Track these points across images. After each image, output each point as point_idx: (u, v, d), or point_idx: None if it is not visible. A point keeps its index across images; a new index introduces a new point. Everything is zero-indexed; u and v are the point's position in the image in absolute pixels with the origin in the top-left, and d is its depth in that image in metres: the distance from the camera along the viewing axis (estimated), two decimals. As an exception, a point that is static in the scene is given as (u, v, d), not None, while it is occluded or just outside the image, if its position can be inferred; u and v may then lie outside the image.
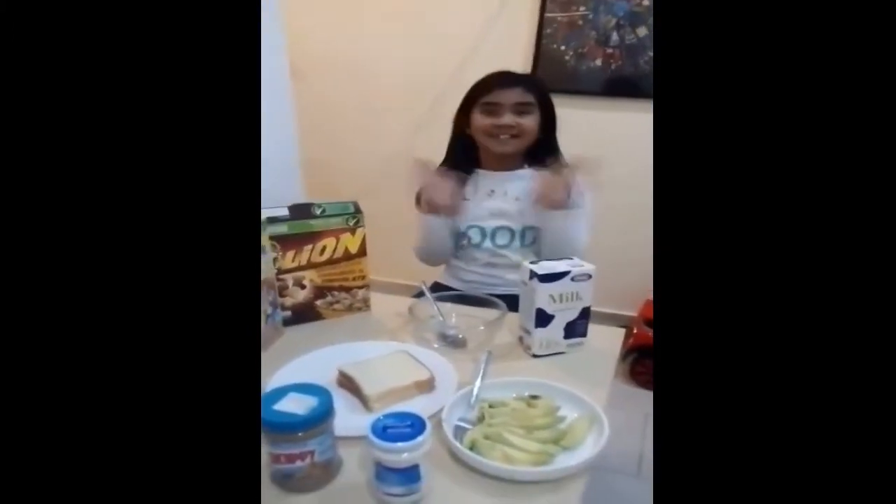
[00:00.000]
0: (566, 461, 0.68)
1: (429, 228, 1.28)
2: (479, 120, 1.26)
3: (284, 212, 0.97)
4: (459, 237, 1.32)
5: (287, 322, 1.02)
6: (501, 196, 1.30)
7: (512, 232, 1.29)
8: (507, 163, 1.31)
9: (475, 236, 1.30)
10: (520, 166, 1.32)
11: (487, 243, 1.30)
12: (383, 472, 0.59)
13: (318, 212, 0.99)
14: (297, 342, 0.96)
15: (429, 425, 0.60)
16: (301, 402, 0.60)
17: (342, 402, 0.79)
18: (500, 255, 1.30)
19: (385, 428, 0.59)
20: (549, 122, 1.29)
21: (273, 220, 0.95)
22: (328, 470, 0.63)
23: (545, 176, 1.20)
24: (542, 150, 1.31)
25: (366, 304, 1.09)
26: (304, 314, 1.03)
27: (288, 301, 1.01)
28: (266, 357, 0.91)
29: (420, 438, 0.58)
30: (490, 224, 1.29)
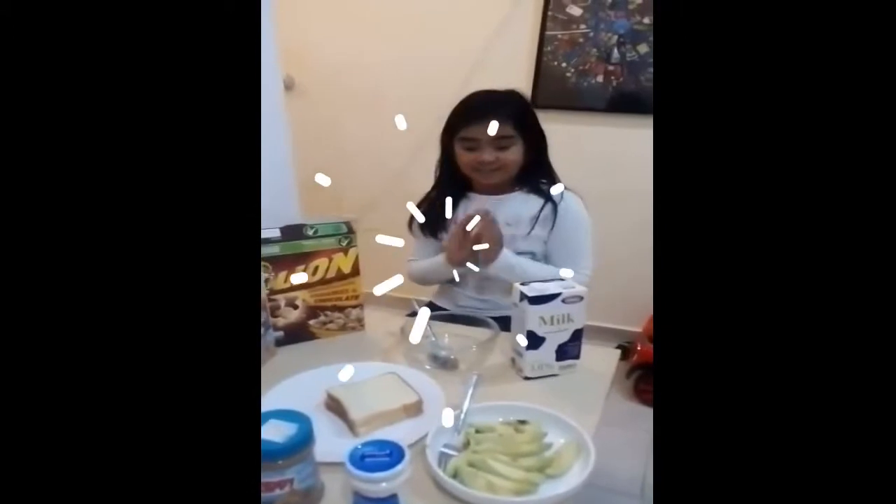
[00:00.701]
0: (550, 490, 0.67)
1: (435, 271, 1.29)
2: (461, 154, 1.23)
3: (276, 233, 0.98)
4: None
5: (280, 342, 1.02)
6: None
7: None
8: (497, 187, 1.28)
9: None
10: (510, 190, 1.29)
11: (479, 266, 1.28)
12: (361, 502, 0.59)
13: (310, 232, 1.00)
14: (289, 363, 0.96)
15: (407, 454, 0.60)
16: (280, 429, 0.60)
17: (328, 426, 0.79)
18: (491, 279, 1.26)
19: (363, 457, 0.59)
20: (535, 148, 1.25)
21: (265, 241, 0.96)
22: (308, 497, 0.63)
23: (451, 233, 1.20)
24: (534, 173, 1.28)
25: (360, 323, 1.09)
26: (296, 334, 1.03)
27: (280, 321, 1.02)
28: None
29: (398, 468, 0.58)
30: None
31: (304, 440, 0.60)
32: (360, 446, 0.60)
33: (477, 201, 1.29)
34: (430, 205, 1.29)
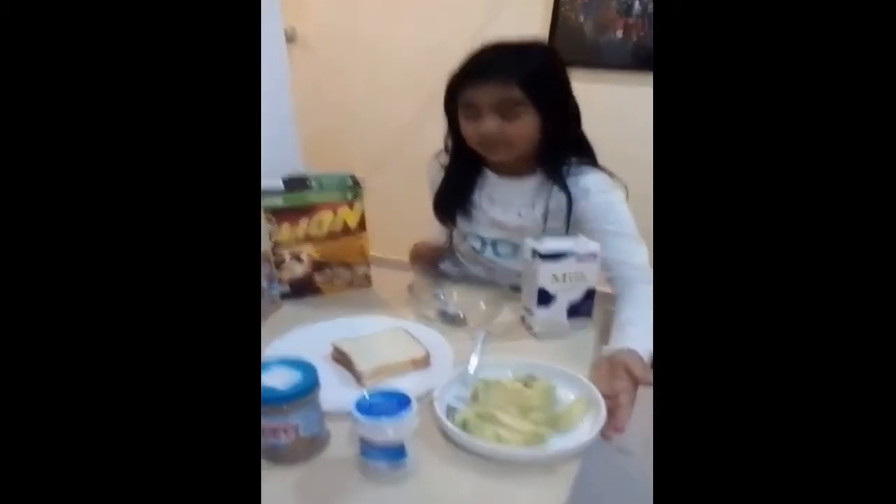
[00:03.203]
0: (559, 444, 0.66)
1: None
2: (463, 124, 0.99)
3: (278, 184, 0.95)
4: (459, 238, 1.18)
5: (285, 296, 1.00)
6: (502, 206, 1.08)
7: (514, 245, 1.09)
8: (512, 168, 1.05)
9: (475, 243, 1.14)
10: (529, 171, 1.04)
11: (489, 252, 1.13)
12: (368, 449, 0.58)
13: (313, 184, 0.97)
14: (294, 316, 0.95)
15: (414, 403, 0.58)
16: (285, 376, 0.59)
17: (335, 377, 0.78)
18: (500, 265, 1.14)
19: (371, 405, 0.58)
20: (557, 119, 0.97)
21: (267, 193, 0.93)
22: (314, 444, 0.62)
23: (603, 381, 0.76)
24: (559, 152, 1.02)
25: (367, 280, 1.07)
26: (302, 289, 1.02)
27: (285, 275, 1.00)
28: (261, 330, 0.90)
29: (404, 416, 0.57)
30: (490, 235, 1.11)
31: (308, 387, 0.59)
32: (367, 394, 0.59)
33: (492, 185, 1.09)
34: (444, 186, 1.12)
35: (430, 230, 1.23)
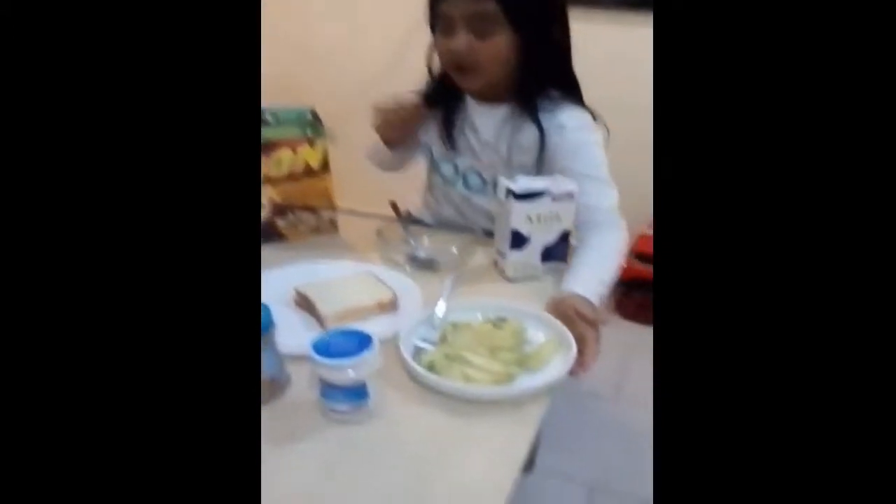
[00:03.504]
0: (529, 382, 0.65)
1: (378, 151, 1.10)
2: (436, 40, 0.92)
3: None
4: (432, 165, 1.13)
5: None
6: (473, 133, 1.03)
7: (483, 180, 1.06)
8: (487, 95, 0.98)
9: (447, 171, 1.08)
10: (500, 100, 0.98)
11: (459, 185, 1.08)
12: (328, 390, 0.55)
13: (269, 118, 0.91)
14: (257, 263, 0.91)
15: (376, 342, 0.56)
16: (238, 316, 0.56)
17: (298, 322, 0.75)
18: (471, 201, 1.09)
19: (329, 345, 0.55)
20: (537, 42, 0.90)
21: None
22: (273, 387, 0.59)
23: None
24: (536, 82, 0.94)
25: (333, 225, 1.03)
26: (264, 233, 0.97)
27: (247, 220, 0.95)
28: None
29: (365, 355, 0.54)
30: (463, 162, 1.06)
31: (262, 328, 0.56)
32: (326, 334, 0.56)
33: (471, 110, 1.02)
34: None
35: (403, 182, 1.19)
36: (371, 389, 0.56)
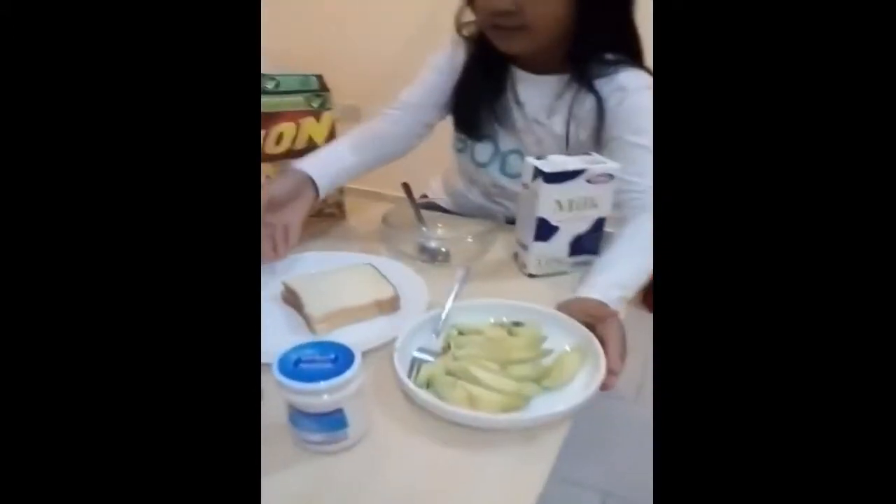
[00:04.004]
0: (546, 405, 0.54)
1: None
2: (479, 0, 0.79)
3: None
4: (462, 146, 0.96)
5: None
6: (518, 108, 0.88)
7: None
8: (534, 61, 0.84)
9: (482, 154, 0.93)
10: (551, 68, 0.84)
11: (495, 168, 0.94)
12: (298, 417, 0.46)
13: (269, 85, 0.81)
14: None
15: (358, 359, 0.46)
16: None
17: (283, 322, 0.66)
18: (506, 189, 0.95)
19: (298, 362, 0.45)
20: (591, 2, 0.75)
21: None
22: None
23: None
24: (593, 45, 0.80)
25: (339, 209, 0.93)
26: (260, 218, 0.88)
27: (240, 202, 0.86)
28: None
29: (345, 376, 0.44)
30: (505, 144, 0.91)
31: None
32: (291, 349, 0.46)
33: (519, 82, 0.87)
34: (463, 79, 0.90)
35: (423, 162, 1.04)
36: (350, 416, 0.46)
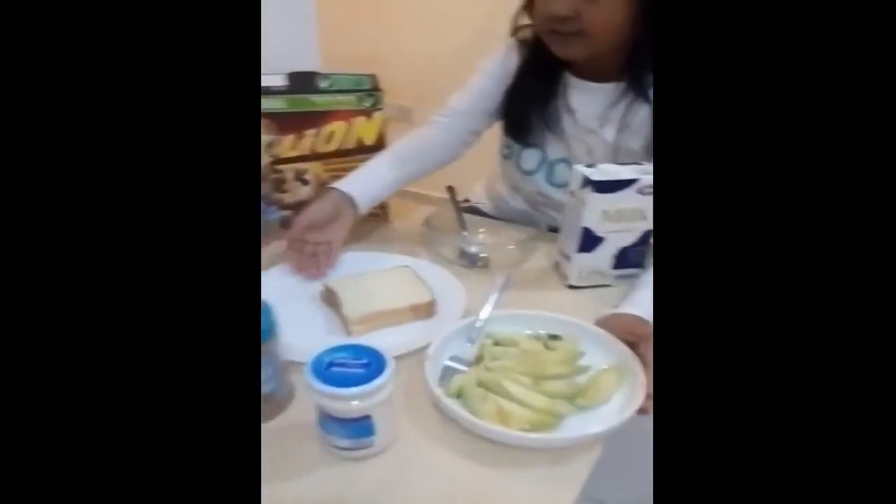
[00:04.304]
0: (580, 426, 0.52)
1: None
2: (537, 4, 0.78)
3: (281, 80, 0.80)
4: (508, 152, 0.95)
5: (285, 223, 0.89)
6: (569, 116, 0.86)
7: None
8: (590, 68, 0.83)
9: (529, 161, 0.91)
10: (606, 76, 0.82)
11: (541, 176, 0.91)
12: (327, 421, 0.46)
13: (323, 84, 0.82)
14: (292, 247, 0.83)
15: (390, 366, 0.46)
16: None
17: (321, 322, 0.66)
18: (552, 198, 0.92)
19: (331, 365, 0.45)
20: (654, 6, 0.71)
21: (266, 91, 0.78)
22: (269, 404, 0.51)
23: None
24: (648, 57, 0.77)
25: (383, 210, 0.94)
26: (305, 215, 0.90)
27: (287, 198, 0.88)
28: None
29: (375, 383, 0.44)
30: (553, 152, 0.89)
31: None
32: (327, 351, 0.46)
33: (571, 85, 0.85)
34: (512, 94, 0.88)
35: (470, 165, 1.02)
36: (378, 423, 0.46)
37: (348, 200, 0.79)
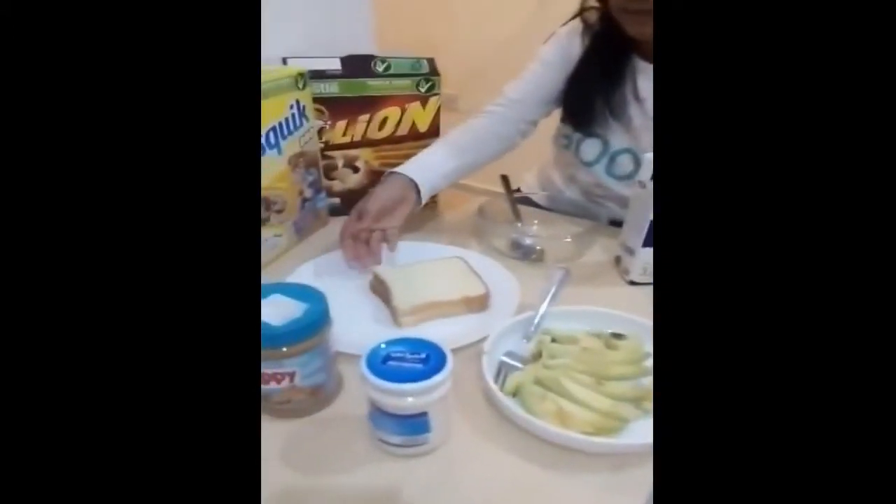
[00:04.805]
0: (644, 432, 0.49)
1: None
2: None
3: (335, 64, 0.78)
4: (566, 140, 0.91)
5: (334, 211, 0.87)
6: (636, 103, 0.82)
7: (637, 161, 0.85)
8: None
9: (590, 151, 0.88)
10: None
11: (601, 168, 0.88)
12: (378, 416, 0.44)
13: (379, 68, 0.79)
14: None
15: (449, 362, 0.43)
16: (283, 307, 0.46)
17: (369, 312, 0.65)
18: (611, 190, 0.89)
19: (388, 358, 0.43)
20: None
21: (320, 75, 0.77)
22: (316, 396, 0.49)
23: None
24: None
25: (433, 200, 0.91)
26: (355, 203, 0.88)
27: (336, 186, 0.86)
28: (298, 250, 0.78)
29: (434, 380, 0.42)
30: (617, 142, 0.86)
31: (311, 325, 0.45)
32: (384, 344, 0.44)
33: (638, 69, 0.81)
34: (575, 80, 0.84)
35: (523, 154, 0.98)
36: (434, 420, 0.44)
37: (412, 186, 0.76)
